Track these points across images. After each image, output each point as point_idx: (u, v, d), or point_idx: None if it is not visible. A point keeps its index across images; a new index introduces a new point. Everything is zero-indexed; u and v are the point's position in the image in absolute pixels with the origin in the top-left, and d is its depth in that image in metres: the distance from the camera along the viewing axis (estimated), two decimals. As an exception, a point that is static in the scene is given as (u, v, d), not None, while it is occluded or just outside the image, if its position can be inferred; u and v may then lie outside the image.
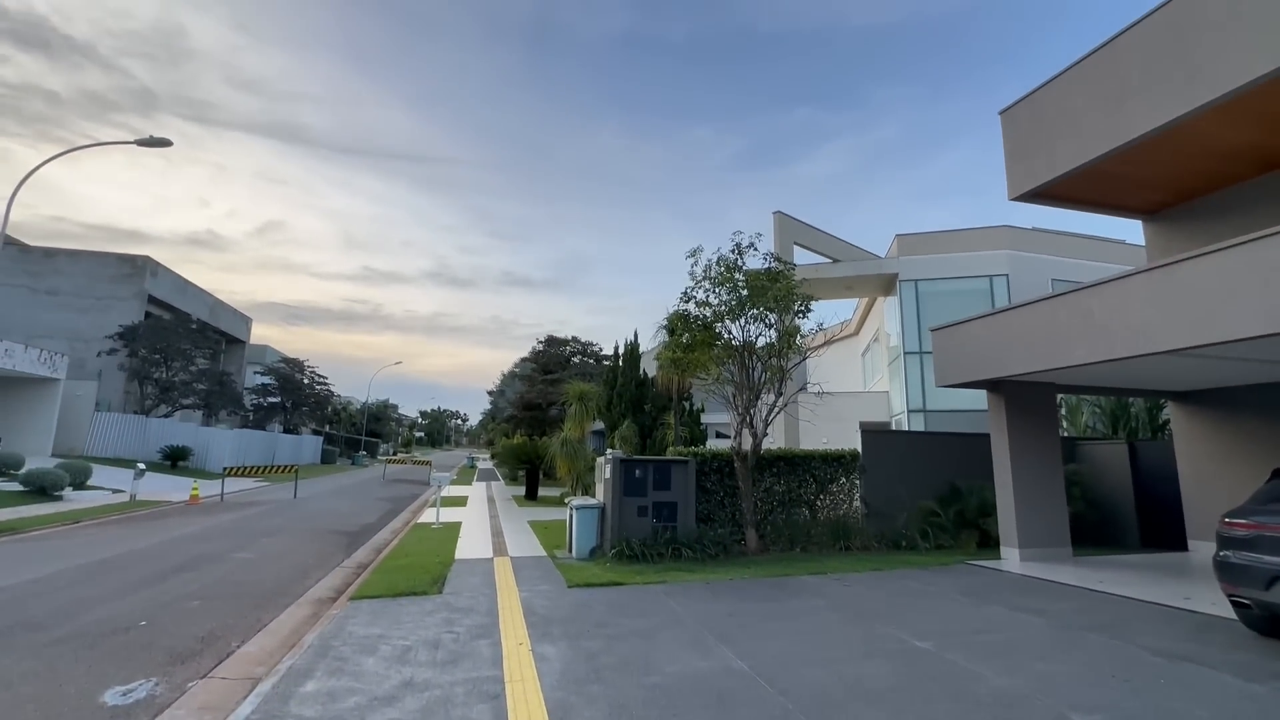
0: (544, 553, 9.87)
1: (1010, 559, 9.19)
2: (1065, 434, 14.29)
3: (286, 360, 43.65)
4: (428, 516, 14.05)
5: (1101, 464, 11.88)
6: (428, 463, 37.46)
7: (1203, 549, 9.57)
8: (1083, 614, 6.17)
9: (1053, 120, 9.98)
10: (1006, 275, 17.18)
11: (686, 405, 17.49)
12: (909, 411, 17.56)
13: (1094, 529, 11.32)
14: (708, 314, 10.01)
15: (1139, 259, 13.07)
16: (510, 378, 47.36)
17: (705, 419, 18.63)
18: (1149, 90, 8.49)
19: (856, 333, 26.81)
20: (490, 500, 19.37)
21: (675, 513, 9.75)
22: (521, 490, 22.18)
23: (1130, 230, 14.81)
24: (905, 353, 17.83)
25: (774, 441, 14.90)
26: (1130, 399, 14.24)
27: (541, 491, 21.10)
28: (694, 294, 9.97)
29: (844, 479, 11.50)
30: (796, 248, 18.55)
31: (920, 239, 18.81)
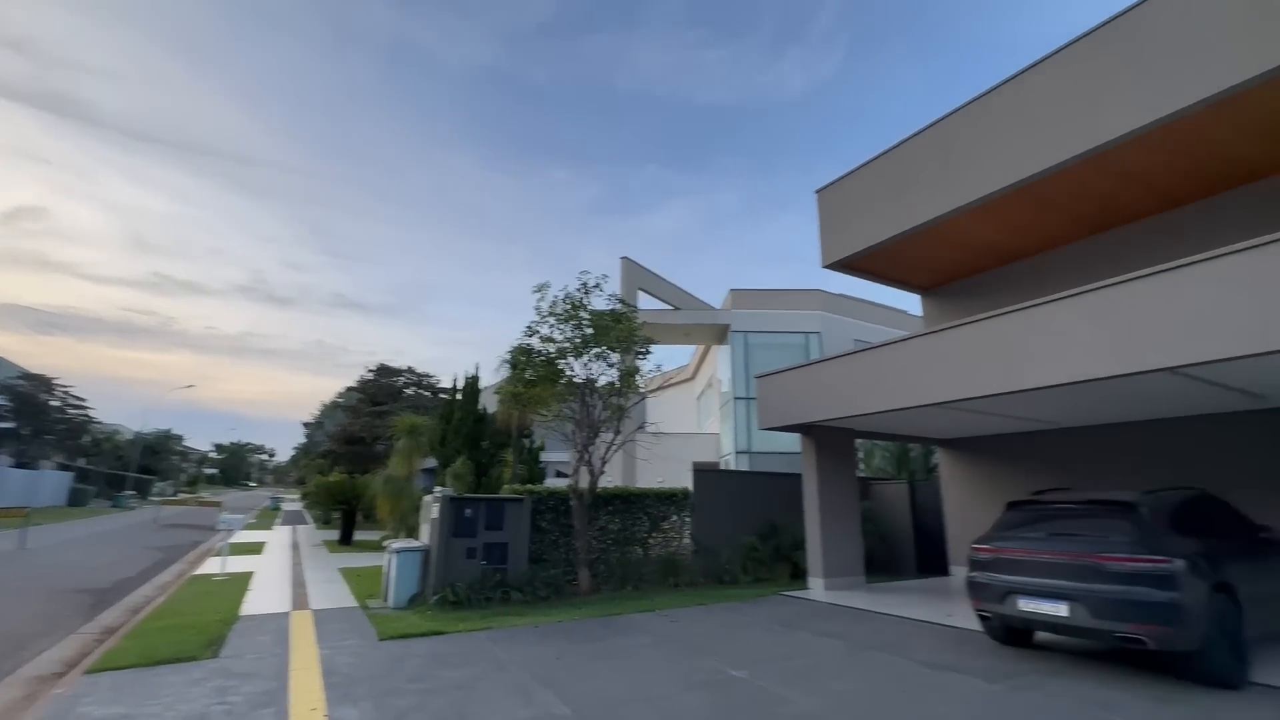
0: (356, 603, 8.85)
1: (816, 588, 10.10)
2: (861, 475, 16.30)
3: (28, 376, 35.36)
4: (212, 566, 11.96)
5: (889, 501, 13.68)
6: (217, 504, 32.16)
7: (961, 573, 11.35)
8: (872, 635, 6.93)
9: (855, 204, 11.70)
10: (819, 333, 19.57)
11: (526, 442, 17.11)
12: (736, 453, 18.90)
13: (883, 559, 12.90)
14: (551, 350, 9.99)
15: (920, 328, 15.56)
16: (332, 408, 42.81)
17: (545, 457, 18.36)
18: (924, 189, 10.33)
19: (693, 377, 28.49)
20: (294, 546, 17.07)
21: (507, 554, 9.35)
22: (335, 534, 19.88)
23: (915, 302, 17.65)
24: (735, 398, 19.28)
25: (612, 480, 15.09)
26: (911, 445, 16.68)
27: (360, 535, 19.09)
28: (538, 329, 9.91)
29: (676, 516, 11.94)
30: (641, 293, 19.43)
31: (750, 295, 20.74)
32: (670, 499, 11.77)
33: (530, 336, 9.93)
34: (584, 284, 10.09)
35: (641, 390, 12.38)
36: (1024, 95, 9.07)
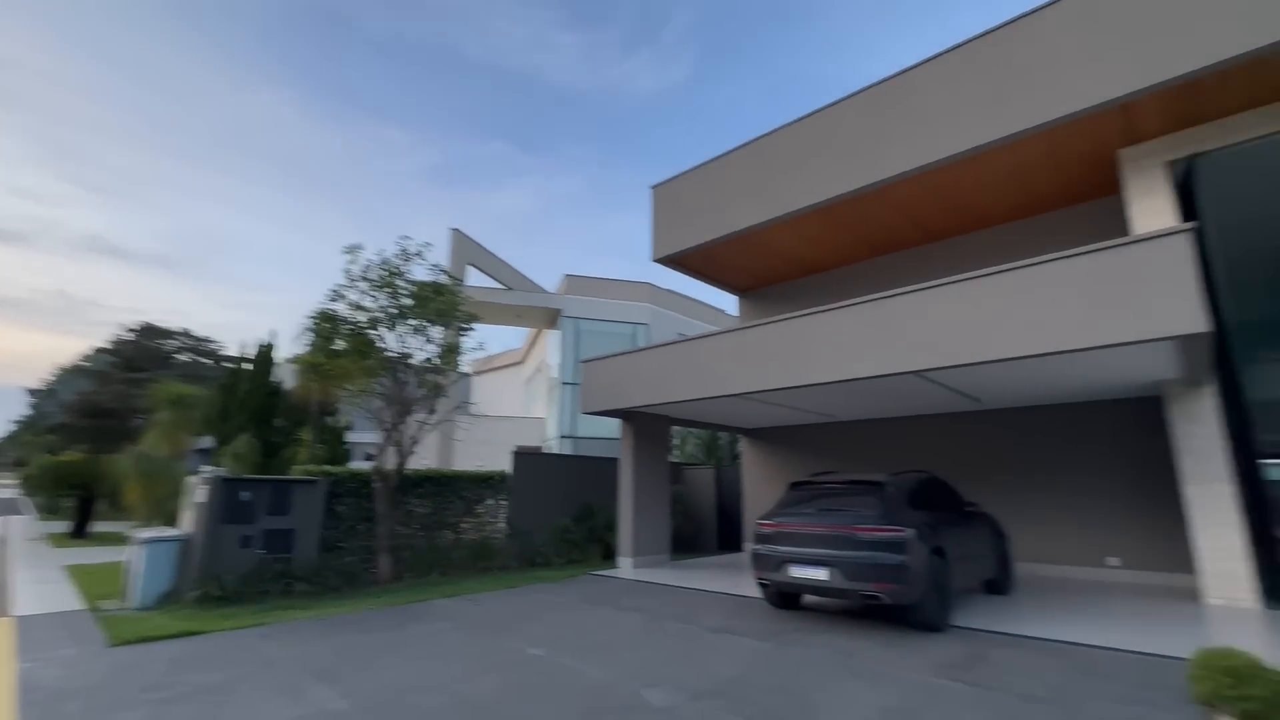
0: (84, 605, 7.31)
1: (625, 567, 10.54)
2: (675, 460, 17.36)
3: None
4: None
5: (697, 485, 14.73)
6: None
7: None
8: (669, 607, 7.40)
9: (685, 204, 12.33)
10: (648, 325, 20.42)
11: (330, 421, 15.50)
12: (560, 437, 19.01)
13: (689, 538, 13.88)
14: (362, 319, 9.11)
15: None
16: (72, 373, 34.93)
17: (353, 437, 16.80)
18: (744, 198, 11.21)
19: (523, 361, 28.06)
20: (1, 541, 13.64)
21: (292, 541, 8.39)
22: (66, 525, 16.27)
23: (734, 302, 19.14)
24: (562, 383, 19.37)
25: (427, 462, 14.29)
26: (721, 433, 18.12)
27: (103, 527, 15.85)
28: (346, 293, 8.98)
29: (492, 500, 11.65)
30: (471, 269, 18.60)
31: (584, 282, 20.94)
32: (487, 482, 11.46)
33: (335, 301, 8.96)
34: (404, 250, 9.35)
35: (462, 368, 11.88)
36: (831, 126, 10.25)
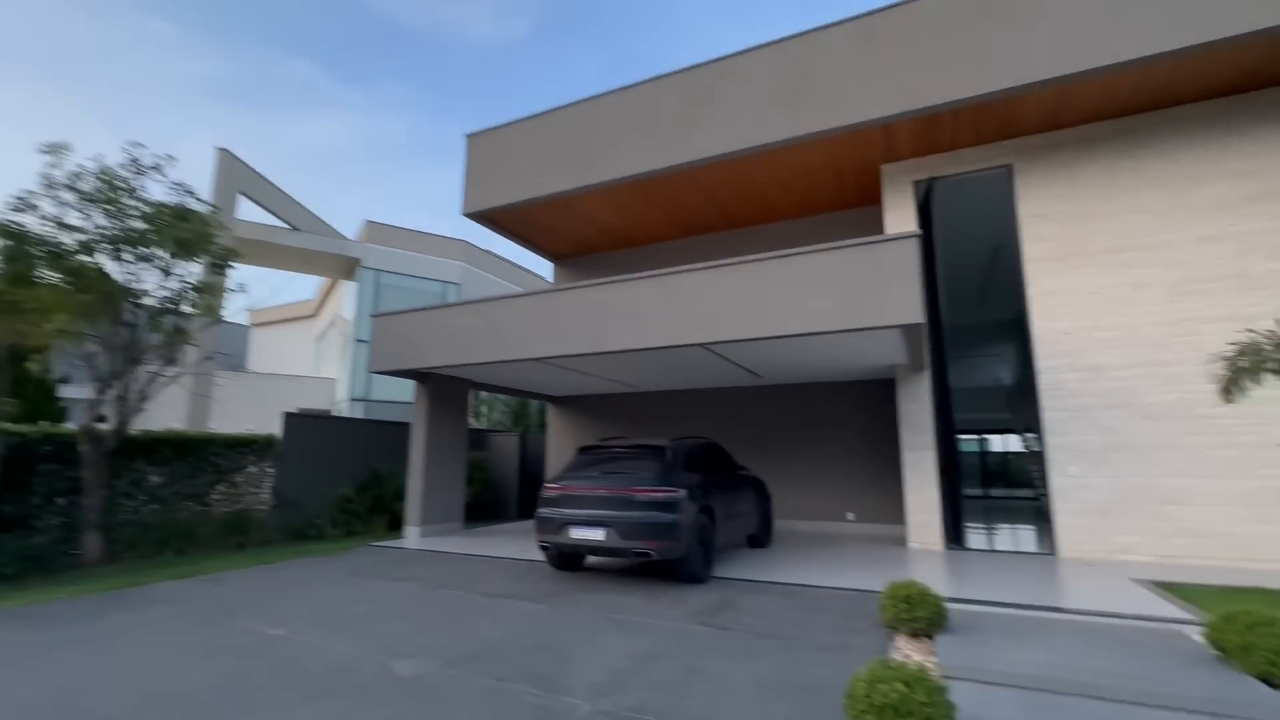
0: None
1: (412, 536, 9.93)
2: (480, 426, 16.81)
3: None
4: None
5: (501, 452, 14.41)
6: None
7: (551, 514, 12.75)
8: (449, 575, 7.09)
9: (503, 158, 11.72)
10: (460, 285, 19.31)
11: (35, 368, 12.26)
12: (352, 400, 17.31)
13: (490, 505, 13.55)
14: (68, 241, 7.21)
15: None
16: None
17: (72, 392, 13.50)
18: (563, 161, 10.97)
19: (316, 314, 24.97)
20: None
21: (-55, 519, 6.47)
22: None
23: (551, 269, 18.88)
24: (357, 340, 17.57)
25: (176, 424, 12.00)
26: (532, 400, 17.93)
27: None
28: (38, 203, 7.00)
29: (255, 468, 10.18)
30: (246, 200, 15.87)
31: (390, 231, 19.11)
32: (248, 446, 9.96)
33: (21, 213, 6.95)
34: (135, 160, 7.55)
35: (228, 315, 10.13)
36: (650, 102, 10.40)
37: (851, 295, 6.40)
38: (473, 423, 17.14)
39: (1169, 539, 7.57)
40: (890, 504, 10.16)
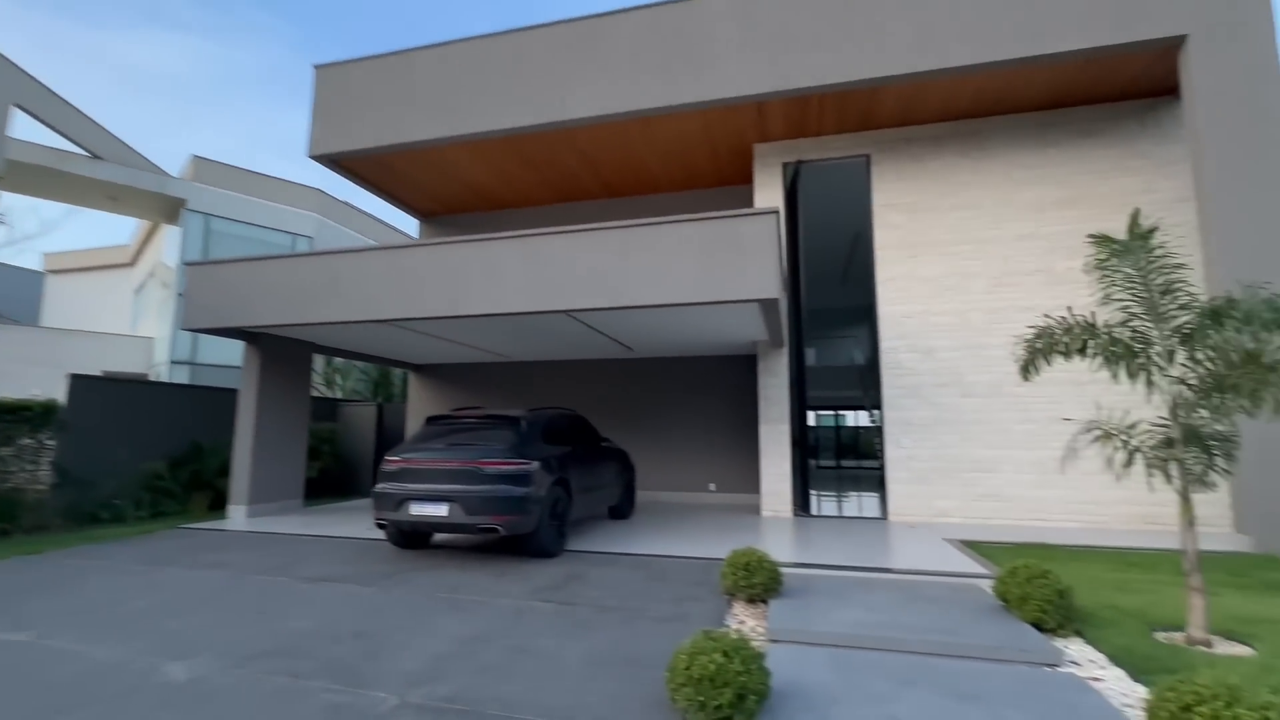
0: None
1: (237, 516, 8.82)
2: (333, 396, 15.40)
3: None
4: None
5: (356, 423, 13.27)
6: None
7: (409, 489, 11.97)
8: (268, 559, 6.32)
9: (358, 97, 10.50)
10: (312, 238, 17.36)
11: None
12: (174, 363, 15.06)
13: (341, 480, 12.45)
14: None
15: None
16: None
17: None
18: (427, 107, 10.03)
19: (133, 263, 21.43)
20: None
21: None
22: None
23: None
24: (180, 294, 15.26)
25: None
26: (393, 369, 16.69)
27: None
28: None
29: (31, 440, 8.48)
30: (24, 116, 12.96)
31: (224, 171, 16.66)
32: (17, 414, 8.25)
33: None
34: None
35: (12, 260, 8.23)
36: (523, 52, 9.74)
37: (712, 268, 6.39)
38: (324, 391, 15.65)
39: (977, 502, 8.53)
40: (749, 475, 10.59)
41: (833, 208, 10.97)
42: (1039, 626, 4.08)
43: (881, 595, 4.80)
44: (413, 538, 6.58)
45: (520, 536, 6.00)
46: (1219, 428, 4.05)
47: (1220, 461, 4.11)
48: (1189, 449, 4.05)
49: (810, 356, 21.50)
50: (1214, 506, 7.10)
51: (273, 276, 8.17)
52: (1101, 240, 4.27)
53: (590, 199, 12.49)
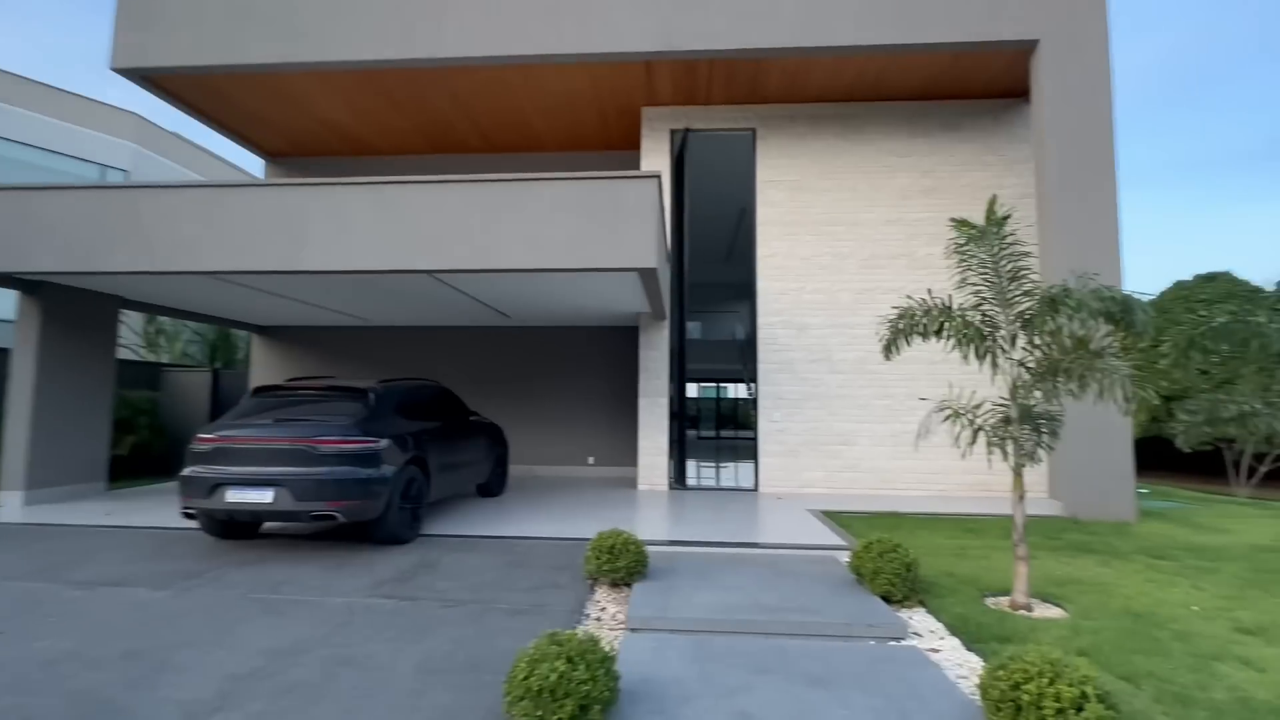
0: None
1: (10, 504, 7.25)
2: (156, 360, 13.30)
3: None
4: None
5: (185, 392, 11.51)
6: None
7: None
8: (33, 559, 5.16)
9: (179, 2, 8.76)
10: (128, 172, 14.58)
11: None
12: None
13: (164, 458, 10.75)
14: None
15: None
16: None
17: None
18: (265, 24, 8.56)
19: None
20: None
21: None
22: None
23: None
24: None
25: None
26: (236, 330, 14.68)
27: None
28: None
29: None
30: None
31: (11, 83, 13.48)
32: None
33: None
34: None
35: None
36: (387, -27, 8.56)
37: (588, 232, 5.97)
38: (144, 355, 13.44)
39: (839, 474, 8.97)
40: (628, 448, 10.45)
41: (720, 182, 10.88)
42: (888, 599, 4.20)
43: (745, 573, 4.76)
44: (235, 527, 5.66)
45: (368, 522, 5.35)
46: (1049, 408, 4.34)
47: (1047, 439, 4.42)
48: (1023, 427, 4.31)
49: (696, 330, 22.06)
50: (1032, 475, 7.93)
51: (52, 212, 6.61)
52: (961, 224, 4.36)
53: (469, 152, 11.50)
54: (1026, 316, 4.30)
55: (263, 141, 11.39)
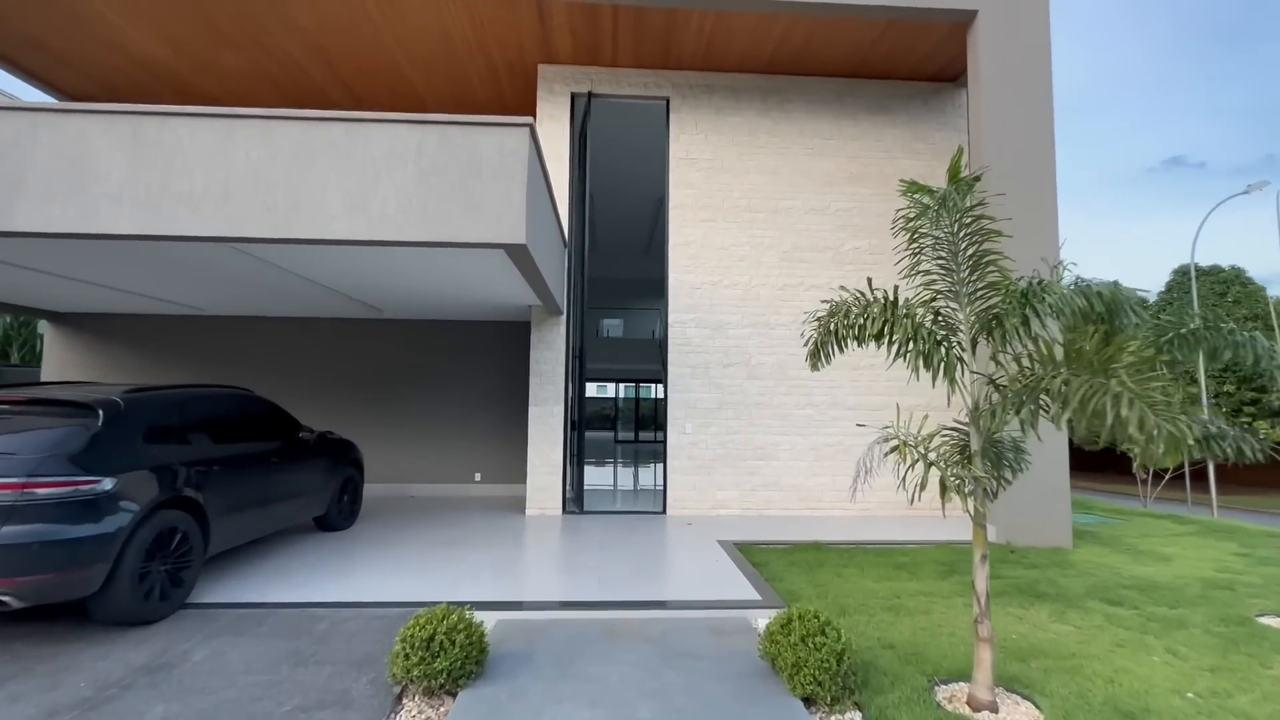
0: None
1: None
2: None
3: None
4: None
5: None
6: None
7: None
8: None
9: None
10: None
11: None
12: None
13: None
14: None
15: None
16: None
17: None
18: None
19: None
20: None
21: None
22: None
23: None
24: None
25: None
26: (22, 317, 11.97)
27: None
28: None
29: None
30: None
31: None
32: None
33: None
34: None
35: None
36: None
37: (436, 195, 4.49)
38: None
39: (756, 492, 7.91)
40: (521, 462, 8.98)
41: (637, 162, 9.63)
42: (811, 701, 3.05)
43: (624, 661, 3.47)
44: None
45: (89, 596, 3.65)
46: (1016, 435, 3.33)
47: (1008, 474, 3.42)
48: (984, 462, 3.27)
49: (618, 328, 20.75)
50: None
51: None
52: (915, 188, 3.25)
53: (334, 108, 9.59)
54: (990, 316, 3.26)
55: (64, 83, 9.04)
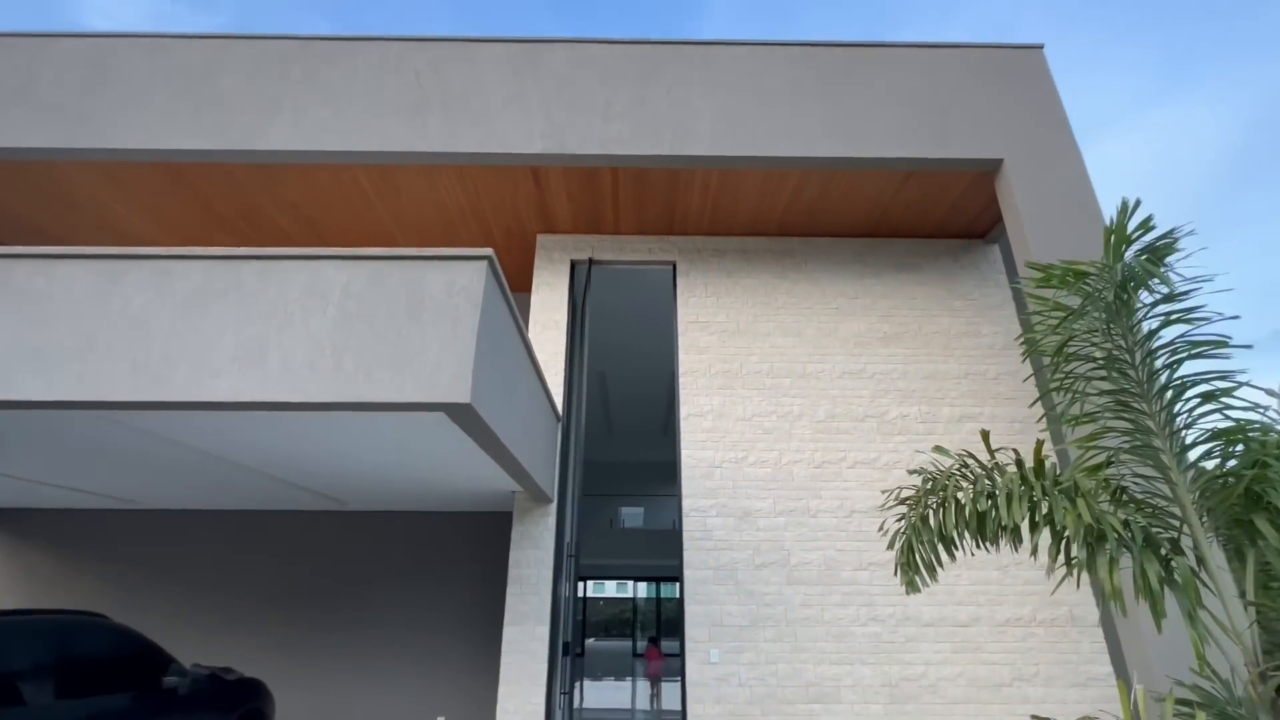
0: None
1: None
2: None
3: None
4: None
5: None
6: None
7: None
8: None
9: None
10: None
11: None
12: None
13: None
14: None
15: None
16: None
17: None
18: (44, 109, 6.63)
19: None
20: None
21: None
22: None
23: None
24: None
25: None
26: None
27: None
28: None
29: None
30: None
31: None
32: None
33: None
34: None
35: None
36: (216, 52, 6.98)
37: (355, 344, 3.42)
38: None
39: (815, 756, 5.62)
40: (491, 702, 6.83)
41: (647, 338, 8.94)
42: None
43: None
44: None
45: None
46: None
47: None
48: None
49: (638, 517, 18.74)
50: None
51: None
52: (1054, 272, 2.00)
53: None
54: (1232, 494, 1.79)
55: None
